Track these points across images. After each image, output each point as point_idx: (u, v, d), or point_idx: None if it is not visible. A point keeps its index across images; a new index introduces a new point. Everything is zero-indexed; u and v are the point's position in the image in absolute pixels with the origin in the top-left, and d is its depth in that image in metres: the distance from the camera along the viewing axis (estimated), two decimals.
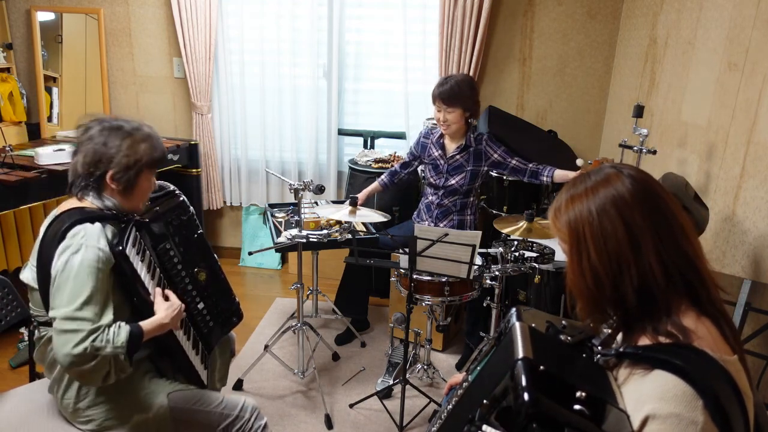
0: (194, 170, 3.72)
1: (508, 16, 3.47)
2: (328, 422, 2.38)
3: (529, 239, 2.37)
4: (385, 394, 2.55)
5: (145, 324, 1.45)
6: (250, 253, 2.62)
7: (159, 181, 1.76)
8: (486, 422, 0.85)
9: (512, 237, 2.33)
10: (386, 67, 3.68)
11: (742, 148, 2.04)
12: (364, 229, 2.86)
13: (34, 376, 1.83)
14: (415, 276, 2.24)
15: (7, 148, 2.69)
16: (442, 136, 2.78)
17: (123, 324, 1.40)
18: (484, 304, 2.40)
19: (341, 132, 3.83)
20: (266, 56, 3.65)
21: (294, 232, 2.41)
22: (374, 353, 2.95)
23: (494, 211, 3.16)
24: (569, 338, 1.01)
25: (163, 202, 1.75)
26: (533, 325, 0.99)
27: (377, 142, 3.80)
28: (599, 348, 1.00)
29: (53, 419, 1.57)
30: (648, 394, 0.87)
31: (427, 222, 2.86)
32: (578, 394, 0.83)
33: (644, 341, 0.94)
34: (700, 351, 0.88)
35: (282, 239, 2.47)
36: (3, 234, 2.65)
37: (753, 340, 1.84)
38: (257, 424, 1.69)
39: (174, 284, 1.67)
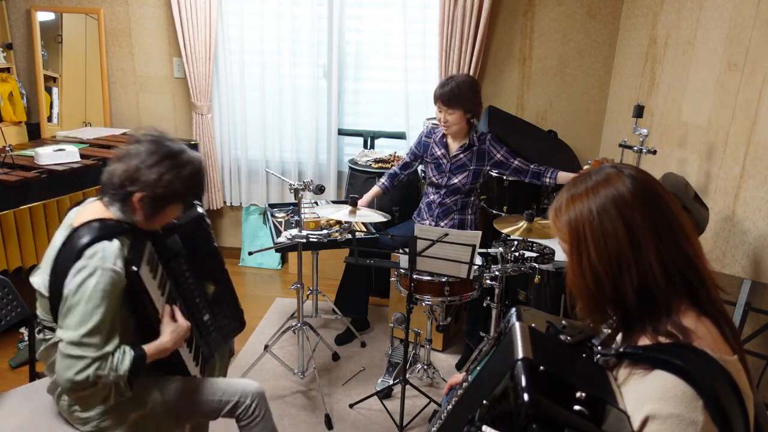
0: None
1: (508, 16, 3.47)
2: (328, 422, 2.38)
3: (529, 239, 2.37)
4: (385, 394, 2.55)
5: (149, 348, 1.44)
6: (250, 253, 2.62)
7: None
8: (486, 422, 0.85)
9: (512, 237, 2.33)
10: (386, 67, 3.67)
11: (742, 148, 2.04)
12: (364, 229, 2.86)
13: (34, 376, 1.82)
14: (415, 276, 2.24)
15: (7, 148, 2.69)
16: (444, 135, 2.78)
17: (128, 349, 1.39)
18: (484, 304, 2.40)
19: (341, 132, 3.83)
20: (266, 56, 3.65)
21: (294, 232, 2.41)
22: (374, 353, 2.95)
23: (494, 211, 3.16)
24: (569, 338, 1.01)
25: (182, 215, 1.71)
26: (533, 325, 0.99)
27: (377, 142, 3.80)
28: (599, 348, 1.00)
29: (53, 419, 1.57)
30: (648, 395, 0.87)
31: (428, 221, 2.86)
32: (578, 394, 0.83)
33: (644, 341, 0.94)
34: (700, 351, 0.88)
35: (282, 239, 2.46)
36: (3, 234, 2.65)
37: (753, 340, 1.84)
38: (257, 412, 1.67)
39: (182, 296, 1.66)
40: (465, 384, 1.13)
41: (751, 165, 1.98)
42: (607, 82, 3.51)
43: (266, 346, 2.65)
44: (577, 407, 0.82)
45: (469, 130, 2.73)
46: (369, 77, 3.73)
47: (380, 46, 3.66)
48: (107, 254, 1.36)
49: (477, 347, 2.65)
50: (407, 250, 2.07)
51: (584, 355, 0.99)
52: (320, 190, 2.43)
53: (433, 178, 2.81)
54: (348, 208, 2.36)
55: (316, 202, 2.97)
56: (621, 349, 0.95)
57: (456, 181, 2.75)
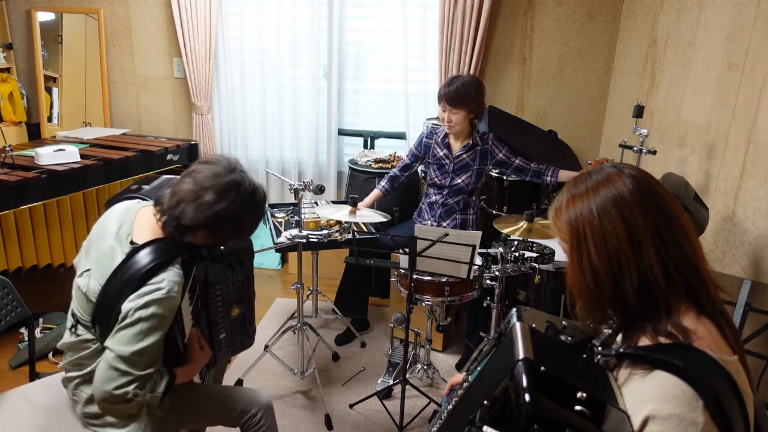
0: None
1: (508, 16, 3.47)
2: (328, 422, 2.38)
3: (529, 239, 2.37)
4: (385, 394, 2.54)
5: (179, 371, 1.47)
6: None
7: None
8: (486, 423, 0.85)
9: (512, 237, 2.33)
10: (386, 67, 3.67)
11: (742, 148, 2.04)
12: (364, 230, 2.86)
13: (34, 376, 1.82)
14: (415, 276, 2.24)
15: (7, 148, 2.69)
16: (446, 135, 2.78)
17: (165, 372, 1.41)
18: (484, 304, 2.40)
19: (341, 132, 3.83)
20: (266, 56, 3.65)
21: (294, 232, 2.41)
22: (374, 353, 2.95)
23: (494, 211, 3.16)
24: (569, 339, 1.01)
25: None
26: (534, 325, 0.99)
27: (377, 142, 3.80)
28: (599, 348, 1.00)
29: (53, 419, 1.57)
30: (648, 395, 0.87)
31: (429, 221, 2.86)
32: (579, 394, 0.83)
33: (644, 341, 0.94)
34: (700, 351, 0.88)
35: (282, 239, 2.46)
36: (3, 234, 2.65)
37: (753, 340, 1.84)
38: (263, 422, 1.67)
39: (208, 319, 1.67)
40: (465, 384, 1.13)
41: (751, 165, 1.98)
42: (607, 82, 3.51)
43: (266, 346, 2.65)
44: (578, 407, 0.82)
45: (471, 130, 2.73)
46: (369, 77, 3.73)
47: (380, 46, 3.66)
48: (171, 284, 1.37)
49: (477, 347, 2.65)
50: (407, 250, 2.07)
51: (585, 355, 0.99)
52: (320, 190, 2.43)
53: (436, 179, 2.81)
54: (348, 208, 2.36)
55: (316, 202, 2.97)
56: (621, 350, 0.95)
57: (459, 181, 2.75)
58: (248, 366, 2.63)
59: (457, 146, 2.76)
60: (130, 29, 3.75)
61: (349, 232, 2.50)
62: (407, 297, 2.21)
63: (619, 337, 1.03)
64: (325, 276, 3.60)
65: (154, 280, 1.36)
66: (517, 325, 0.97)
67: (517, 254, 2.36)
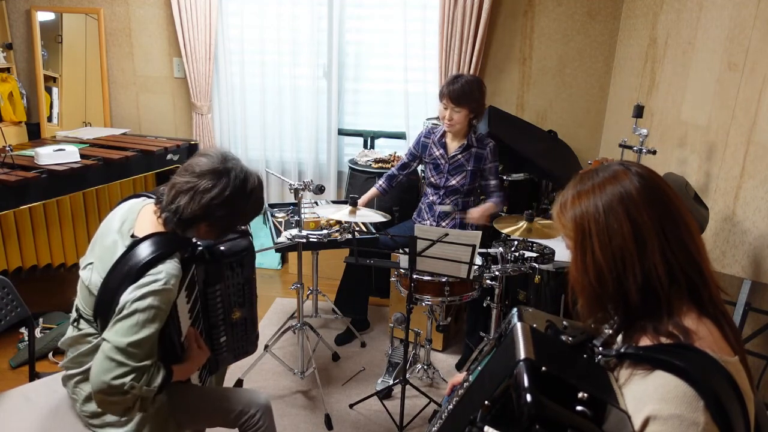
0: None
1: (508, 16, 3.47)
2: (328, 422, 2.38)
3: (529, 239, 2.37)
4: (385, 394, 2.54)
5: (176, 368, 1.46)
6: None
7: None
8: (487, 423, 0.85)
9: (512, 237, 2.33)
10: (386, 67, 3.68)
11: (742, 148, 2.04)
12: (364, 229, 2.86)
13: (34, 376, 1.82)
14: (415, 276, 2.24)
15: (7, 148, 2.69)
16: (444, 135, 2.78)
17: (161, 366, 1.41)
18: (484, 304, 2.40)
19: (341, 132, 3.83)
20: (266, 56, 3.65)
21: (294, 232, 2.41)
22: (374, 353, 2.95)
23: None
24: (570, 339, 1.01)
25: (232, 241, 1.70)
26: (534, 325, 0.99)
27: (377, 142, 3.80)
28: (600, 348, 1.00)
29: (53, 419, 1.57)
30: (649, 395, 0.87)
31: (428, 221, 2.86)
32: (580, 395, 0.83)
33: (645, 342, 0.94)
34: (701, 352, 0.88)
35: (282, 239, 2.46)
36: (3, 234, 2.65)
37: (753, 340, 1.84)
38: (261, 422, 1.67)
39: (207, 320, 1.67)
40: (466, 384, 1.12)
41: (751, 165, 1.98)
42: (607, 82, 3.51)
43: (266, 346, 2.65)
44: (579, 408, 0.82)
45: (468, 130, 2.73)
46: (369, 77, 3.73)
47: (380, 46, 3.66)
48: (169, 276, 1.38)
49: (477, 347, 2.65)
50: (407, 250, 2.07)
51: (585, 355, 0.99)
52: (320, 190, 2.43)
53: (432, 179, 2.81)
54: (348, 208, 2.36)
55: (316, 202, 2.97)
56: (622, 350, 0.95)
57: (454, 182, 2.75)
58: (248, 366, 2.63)
59: (453, 146, 2.76)
60: (130, 29, 3.75)
61: (349, 232, 2.50)
62: (407, 297, 2.21)
63: (619, 337, 1.03)
64: (325, 276, 3.60)
65: (152, 271, 1.37)
66: (518, 325, 0.97)
67: (517, 254, 2.36)
